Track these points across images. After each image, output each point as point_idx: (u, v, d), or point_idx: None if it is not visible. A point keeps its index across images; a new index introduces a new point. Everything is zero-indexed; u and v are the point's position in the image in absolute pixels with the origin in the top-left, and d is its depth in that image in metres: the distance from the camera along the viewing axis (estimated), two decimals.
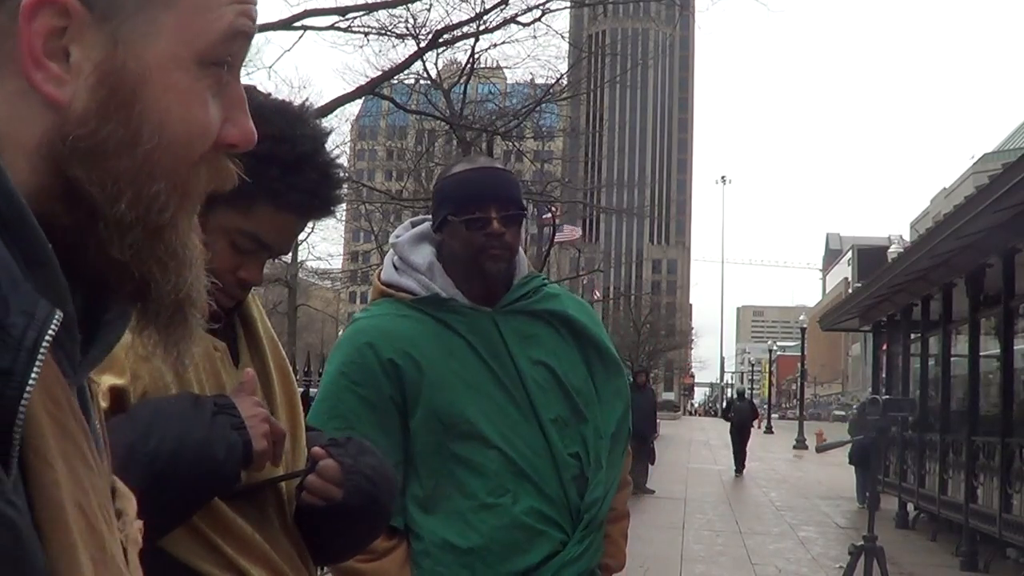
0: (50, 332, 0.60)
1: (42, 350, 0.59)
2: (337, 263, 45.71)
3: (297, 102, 1.56)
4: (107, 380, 1.35)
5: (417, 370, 2.03)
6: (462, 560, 2.02)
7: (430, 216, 2.18)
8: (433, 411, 2.03)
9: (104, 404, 1.35)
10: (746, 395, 26.96)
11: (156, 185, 0.68)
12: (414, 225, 2.21)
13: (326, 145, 1.53)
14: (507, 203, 2.09)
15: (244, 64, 0.76)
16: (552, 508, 2.06)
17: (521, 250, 2.21)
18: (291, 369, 1.67)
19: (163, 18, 0.68)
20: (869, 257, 56.59)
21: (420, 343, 2.05)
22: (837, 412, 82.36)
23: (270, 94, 1.55)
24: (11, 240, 0.61)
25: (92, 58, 0.66)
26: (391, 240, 2.24)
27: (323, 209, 1.54)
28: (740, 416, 22.55)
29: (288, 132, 1.46)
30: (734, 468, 21.93)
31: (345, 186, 1.58)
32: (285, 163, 1.45)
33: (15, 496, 0.57)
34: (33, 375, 0.58)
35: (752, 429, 24.34)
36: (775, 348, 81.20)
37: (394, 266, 2.17)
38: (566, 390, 2.13)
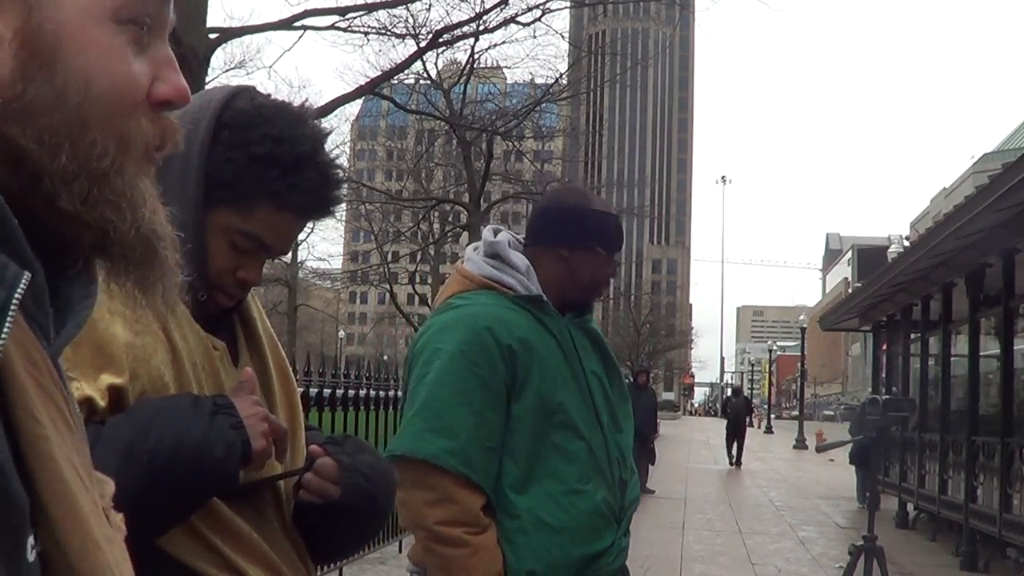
0: (19, 291, 0.62)
1: (12, 307, 0.61)
2: (337, 263, 45.86)
3: (297, 102, 1.56)
4: (106, 379, 1.35)
5: (530, 357, 2.21)
6: (554, 539, 2.18)
7: (500, 227, 2.43)
8: (540, 398, 2.21)
9: (103, 404, 1.35)
10: (741, 392, 28.53)
11: (91, 135, 0.71)
12: (496, 232, 2.40)
13: (325, 146, 1.53)
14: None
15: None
16: (614, 501, 2.30)
17: None
18: (291, 369, 1.67)
19: None
20: (869, 257, 56.57)
21: (530, 334, 2.24)
22: (827, 412, 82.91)
23: (270, 94, 1.55)
24: None
25: (11, 25, 0.69)
26: (486, 238, 2.39)
27: (323, 209, 1.54)
28: (736, 412, 24.26)
29: (288, 133, 1.46)
30: (729, 461, 23.53)
31: (345, 186, 1.58)
32: (285, 163, 1.46)
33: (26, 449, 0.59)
34: (6, 330, 0.60)
35: (747, 424, 25.98)
36: (775, 348, 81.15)
37: (490, 264, 2.34)
38: (608, 400, 2.37)
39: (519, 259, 2.32)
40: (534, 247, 2.36)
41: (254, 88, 1.56)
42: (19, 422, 0.62)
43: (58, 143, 0.70)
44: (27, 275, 0.63)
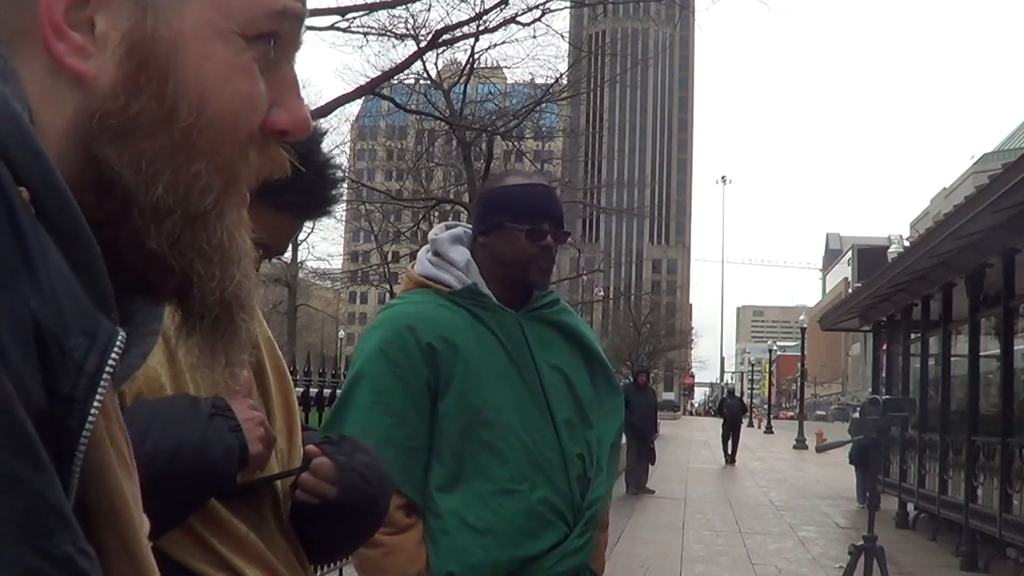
0: (113, 355, 0.55)
1: (106, 375, 0.54)
2: (337, 263, 45.85)
3: None
4: None
5: (453, 356, 2.14)
6: (479, 540, 2.11)
7: (459, 222, 2.38)
8: (464, 396, 2.14)
9: None
10: (736, 393, 31.64)
11: (196, 166, 0.62)
12: (448, 228, 2.35)
13: (322, 146, 1.53)
14: (559, 222, 2.28)
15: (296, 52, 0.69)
16: (560, 501, 2.18)
17: None
18: (287, 370, 1.67)
19: None
20: (869, 257, 56.61)
21: (457, 332, 2.17)
22: (819, 413, 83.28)
23: None
24: (64, 248, 0.55)
25: (119, 27, 0.60)
26: (430, 237, 2.36)
27: (319, 209, 1.54)
28: (731, 412, 25.95)
29: None
30: (724, 459, 24.92)
31: (342, 186, 1.58)
32: None
33: (87, 545, 0.53)
34: (96, 402, 0.54)
35: (742, 423, 28.41)
36: (775, 348, 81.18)
37: (430, 261, 2.29)
38: (576, 396, 2.28)
39: (459, 254, 2.26)
40: (472, 247, 2.30)
41: None
42: (93, 478, 0.56)
43: (157, 171, 0.61)
44: (122, 335, 0.56)
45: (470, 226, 2.33)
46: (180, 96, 0.61)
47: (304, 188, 1.49)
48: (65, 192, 0.56)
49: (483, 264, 2.26)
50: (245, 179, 0.65)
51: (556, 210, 2.28)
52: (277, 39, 0.66)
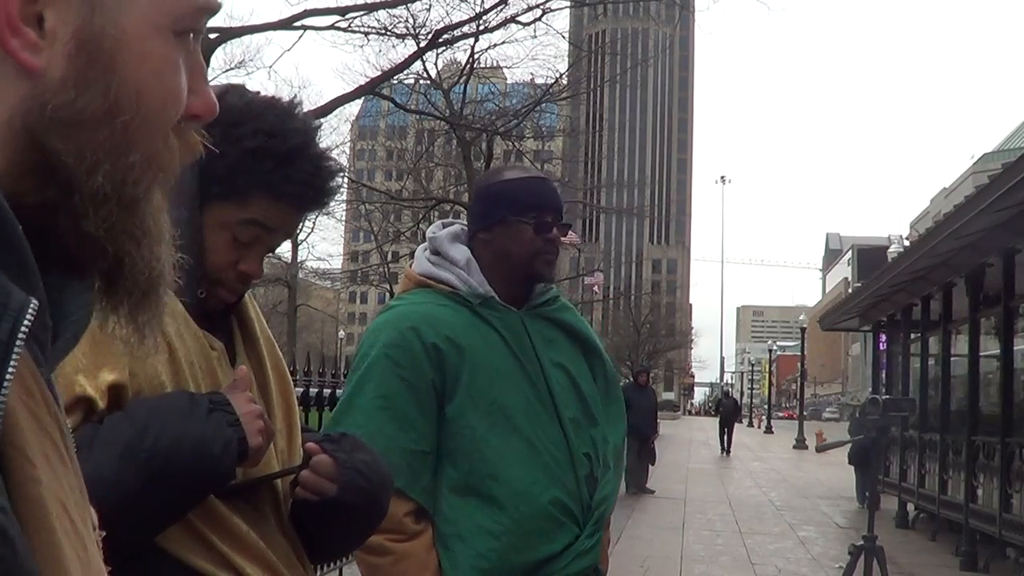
0: (26, 323, 0.56)
1: (19, 342, 0.56)
2: (337, 263, 45.81)
3: (286, 98, 1.57)
4: (105, 377, 1.35)
5: (459, 356, 2.10)
6: (493, 544, 2.07)
7: (455, 220, 2.33)
8: (472, 397, 2.10)
9: (102, 404, 1.35)
10: (731, 394, 37.80)
11: (132, 157, 0.65)
12: (445, 226, 2.31)
13: (316, 138, 1.54)
14: (560, 213, 2.25)
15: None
16: (570, 501, 2.14)
17: None
18: (287, 369, 1.67)
19: None
20: (869, 257, 56.55)
21: (461, 331, 2.13)
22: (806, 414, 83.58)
23: (259, 92, 1.56)
24: None
25: (68, 23, 0.63)
26: (428, 235, 2.31)
27: (318, 200, 1.55)
28: (726, 411, 31.05)
29: (279, 126, 1.48)
30: (720, 449, 29.24)
31: (340, 177, 1.59)
32: (278, 156, 1.47)
33: (3, 500, 0.54)
34: (10, 370, 0.55)
35: (737, 421, 34.31)
36: (775, 348, 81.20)
37: (430, 260, 2.25)
38: (580, 393, 2.24)
39: (459, 252, 2.21)
40: (470, 244, 2.25)
41: (243, 86, 1.58)
42: (9, 461, 0.56)
43: (98, 161, 0.64)
44: (34, 303, 0.57)
45: (467, 224, 2.30)
46: (122, 92, 0.64)
47: (302, 179, 1.50)
48: None
49: (484, 261, 2.21)
50: (170, 166, 0.69)
51: (557, 202, 2.25)
52: (196, 32, 0.69)
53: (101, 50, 0.63)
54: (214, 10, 0.71)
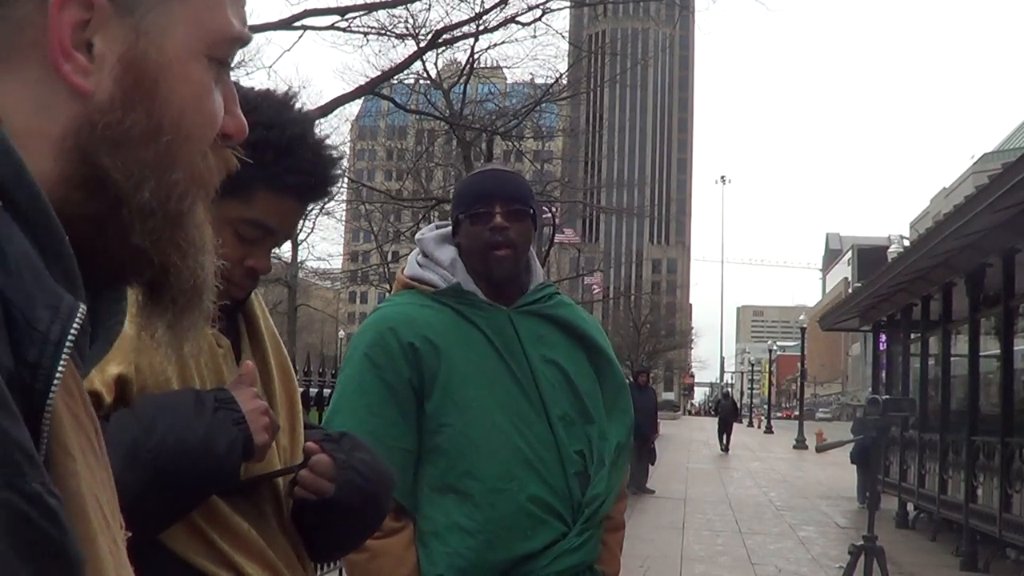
0: (75, 326, 0.60)
1: (67, 344, 0.59)
2: (337, 263, 45.78)
3: (280, 91, 1.58)
4: (112, 369, 1.36)
5: (435, 355, 2.12)
6: (468, 542, 2.08)
7: (448, 222, 2.32)
8: (449, 395, 2.11)
9: (109, 399, 1.36)
10: (729, 395, 38.98)
11: (176, 174, 0.70)
12: (438, 227, 2.32)
13: (314, 127, 1.55)
14: (510, 200, 2.21)
15: (244, 64, 0.78)
16: (556, 499, 2.13)
17: (536, 260, 2.34)
18: (292, 368, 1.68)
19: (179, 12, 0.71)
20: (869, 257, 56.63)
21: (440, 330, 2.15)
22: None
23: (253, 87, 1.57)
24: (31, 233, 0.61)
25: (115, 49, 0.68)
26: (416, 237, 2.34)
27: (321, 189, 1.55)
28: (725, 411, 32.77)
29: (276, 118, 1.49)
30: (720, 447, 30.61)
31: (341, 165, 1.60)
32: (278, 147, 1.48)
33: (55, 488, 0.57)
34: (60, 369, 0.59)
35: (736, 421, 36.56)
36: (775, 348, 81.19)
37: (418, 262, 2.28)
38: (575, 390, 2.23)
39: (445, 253, 2.24)
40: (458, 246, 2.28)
41: (237, 81, 1.58)
42: (53, 456, 0.60)
43: (144, 177, 0.69)
44: (82, 307, 0.61)
45: None
46: (164, 113, 0.70)
47: (304, 169, 1.50)
48: (33, 185, 0.62)
49: (466, 261, 2.24)
50: (210, 181, 0.75)
51: (504, 190, 2.21)
52: (226, 63, 0.75)
53: (145, 73, 0.69)
54: (245, 41, 0.76)
